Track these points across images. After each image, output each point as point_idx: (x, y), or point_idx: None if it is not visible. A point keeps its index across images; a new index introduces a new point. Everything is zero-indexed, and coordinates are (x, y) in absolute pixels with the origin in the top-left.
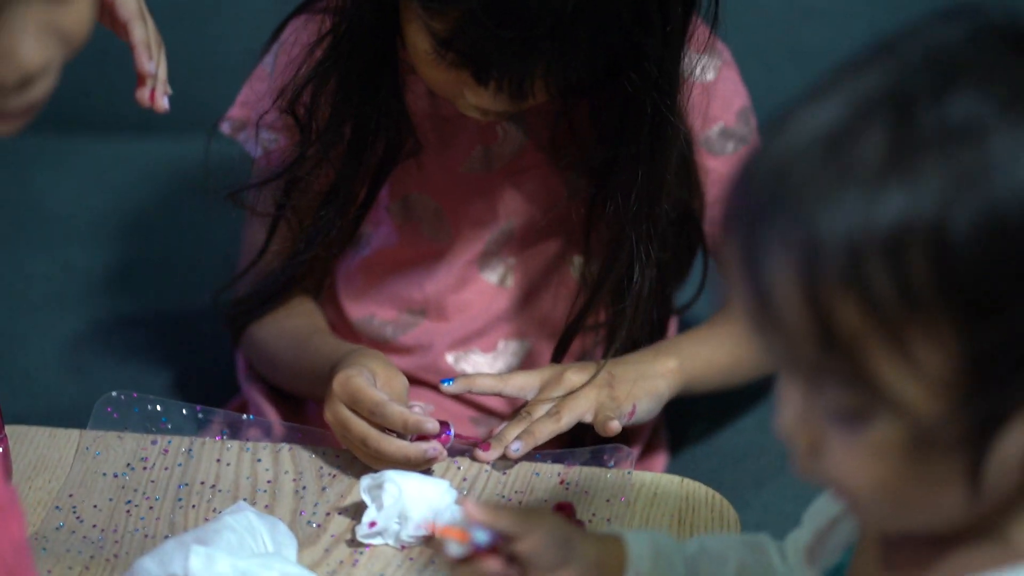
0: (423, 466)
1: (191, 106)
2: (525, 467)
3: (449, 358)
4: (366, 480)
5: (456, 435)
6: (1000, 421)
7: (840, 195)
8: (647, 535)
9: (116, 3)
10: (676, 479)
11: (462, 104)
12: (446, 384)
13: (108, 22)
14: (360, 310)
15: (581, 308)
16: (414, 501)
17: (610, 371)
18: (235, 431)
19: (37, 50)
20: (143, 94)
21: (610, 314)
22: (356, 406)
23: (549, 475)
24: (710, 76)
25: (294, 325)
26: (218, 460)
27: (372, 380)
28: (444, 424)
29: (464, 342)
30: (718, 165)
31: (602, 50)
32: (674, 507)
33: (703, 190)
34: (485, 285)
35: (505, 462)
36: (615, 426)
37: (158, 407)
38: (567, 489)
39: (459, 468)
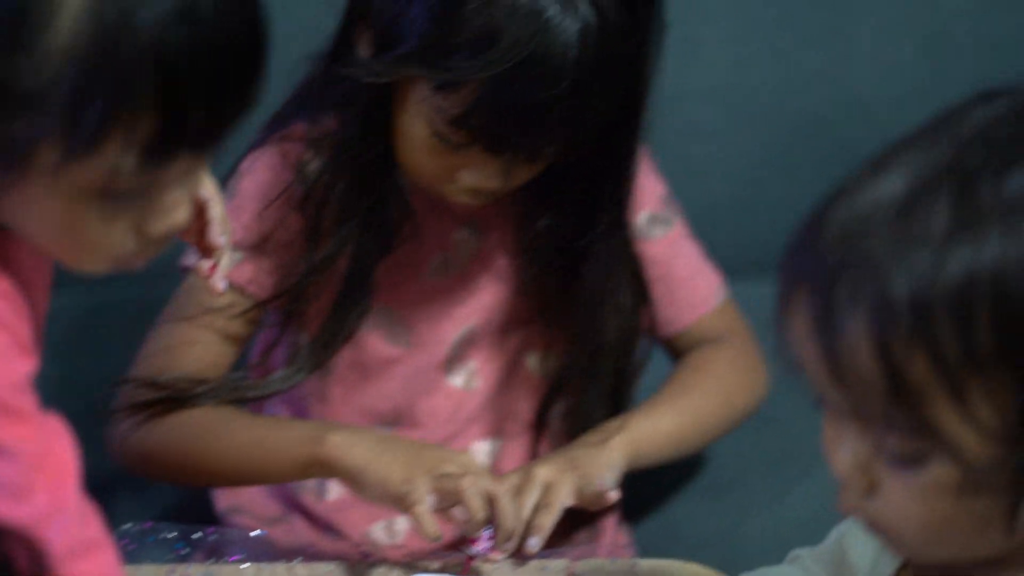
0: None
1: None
2: (533, 564)
3: None
4: None
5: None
6: None
7: (909, 257)
8: None
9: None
10: (678, 564)
11: (452, 190)
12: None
13: None
14: None
15: (545, 399)
16: None
17: (568, 456)
18: (250, 550)
19: (189, 211)
20: (205, 265)
21: (576, 401)
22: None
23: (558, 569)
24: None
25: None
26: None
27: None
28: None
29: None
30: (649, 248)
31: (609, 105)
32: None
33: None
34: (452, 389)
35: (516, 560)
36: (614, 494)
37: (174, 533)
38: None
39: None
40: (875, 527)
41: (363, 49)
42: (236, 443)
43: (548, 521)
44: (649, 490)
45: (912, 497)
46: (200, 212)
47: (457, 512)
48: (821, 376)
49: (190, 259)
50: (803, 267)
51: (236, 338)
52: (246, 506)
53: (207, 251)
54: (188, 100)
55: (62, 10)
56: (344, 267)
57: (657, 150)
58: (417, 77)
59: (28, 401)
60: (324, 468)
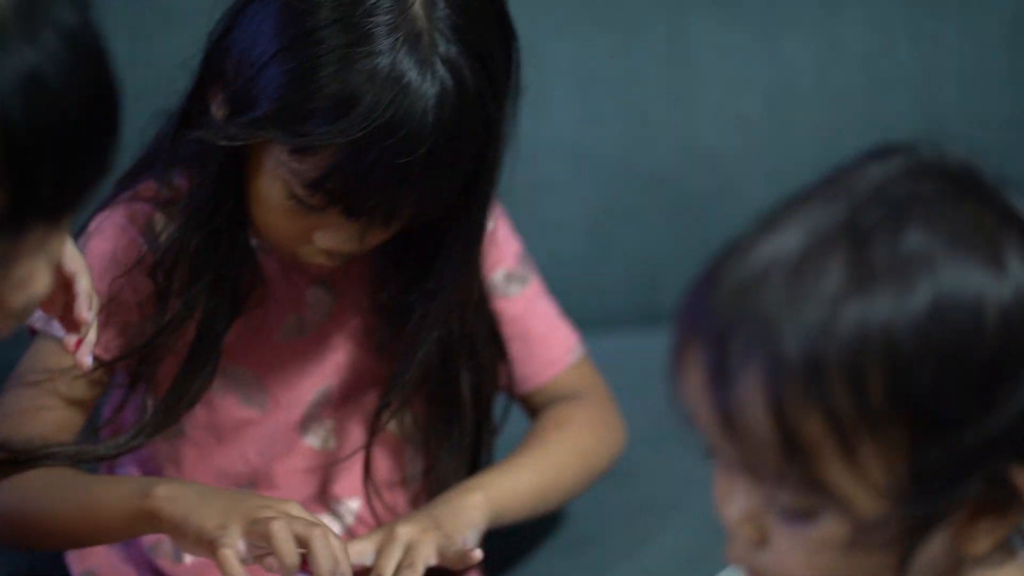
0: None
1: None
2: None
3: None
4: None
5: None
6: (932, 523)
7: (802, 314)
8: None
9: (63, 257)
10: None
11: (306, 251)
12: None
13: None
14: None
15: (367, 445)
16: None
17: (430, 515)
18: None
19: (49, 280)
20: (71, 341)
21: (435, 460)
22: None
23: None
24: (491, 225)
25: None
26: None
27: None
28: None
29: None
30: (506, 306)
31: (466, 167)
32: None
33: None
34: (308, 450)
35: None
36: (478, 553)
37: None
38: None
39: None
40: None
41: (217, 110)
42: (68, 501)
43: None
44: (509, 546)
45: (801, 551)
46: (66, 286)
47: (271, 561)
48: (713, 430)
49: (38, 321)
50: (697, 321)
51: (81, 402)
52: (100, 570)
53: (73, 326)
54: (38, 171)
55: None
56: (194, 329)
57: (507, 206)
58: (273, 140)
59: None
60: (150, 522)
